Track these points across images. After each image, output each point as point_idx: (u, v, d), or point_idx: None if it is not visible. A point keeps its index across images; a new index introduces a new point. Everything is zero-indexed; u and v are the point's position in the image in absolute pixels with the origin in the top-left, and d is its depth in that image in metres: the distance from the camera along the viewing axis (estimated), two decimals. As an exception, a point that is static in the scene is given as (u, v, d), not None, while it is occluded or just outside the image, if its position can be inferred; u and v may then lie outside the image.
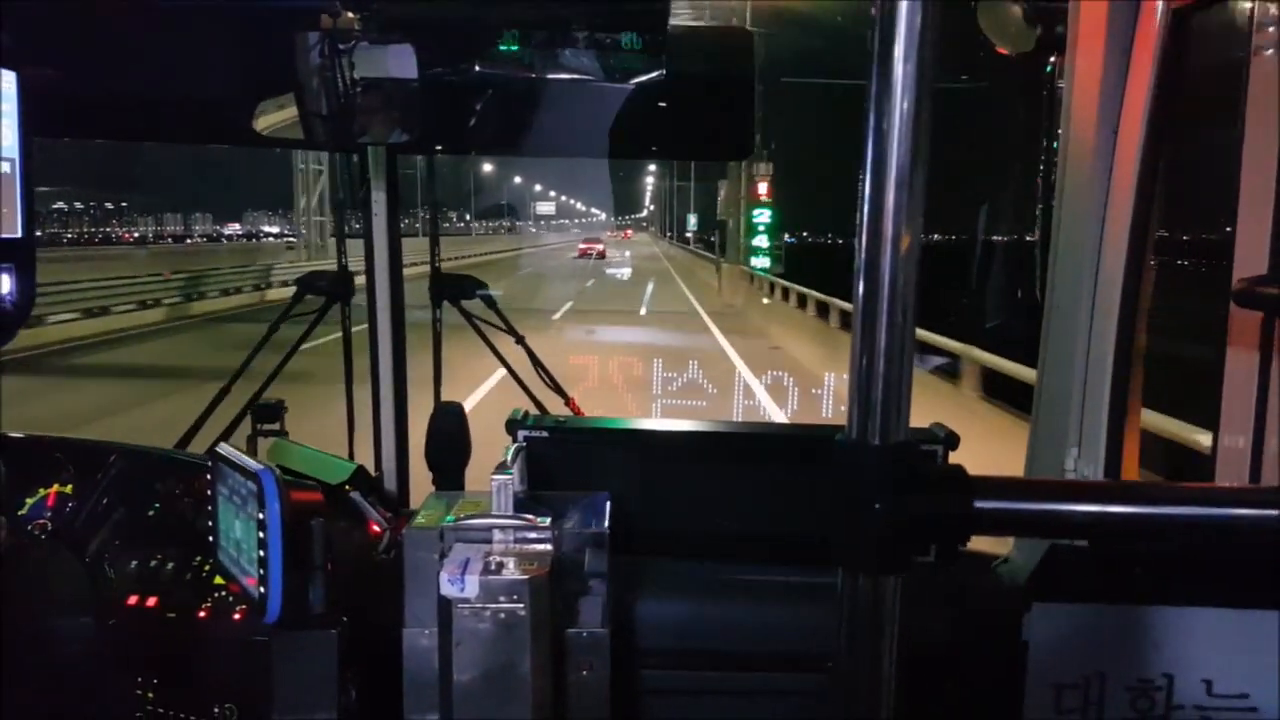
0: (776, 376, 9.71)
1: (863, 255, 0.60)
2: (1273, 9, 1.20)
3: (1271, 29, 1.20)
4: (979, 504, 0.63)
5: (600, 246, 51.21)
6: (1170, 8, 1.39)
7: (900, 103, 0.58)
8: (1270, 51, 1.19)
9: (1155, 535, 0.69)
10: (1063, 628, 0.97)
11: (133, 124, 1.81)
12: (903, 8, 0.57)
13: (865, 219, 0.59)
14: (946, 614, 1.48)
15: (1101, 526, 0.66)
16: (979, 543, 1.62)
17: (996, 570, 1.58)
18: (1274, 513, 0.64)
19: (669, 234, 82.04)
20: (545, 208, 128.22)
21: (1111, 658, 0.97)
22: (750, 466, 1.63)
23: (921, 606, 1.47)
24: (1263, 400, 1.20)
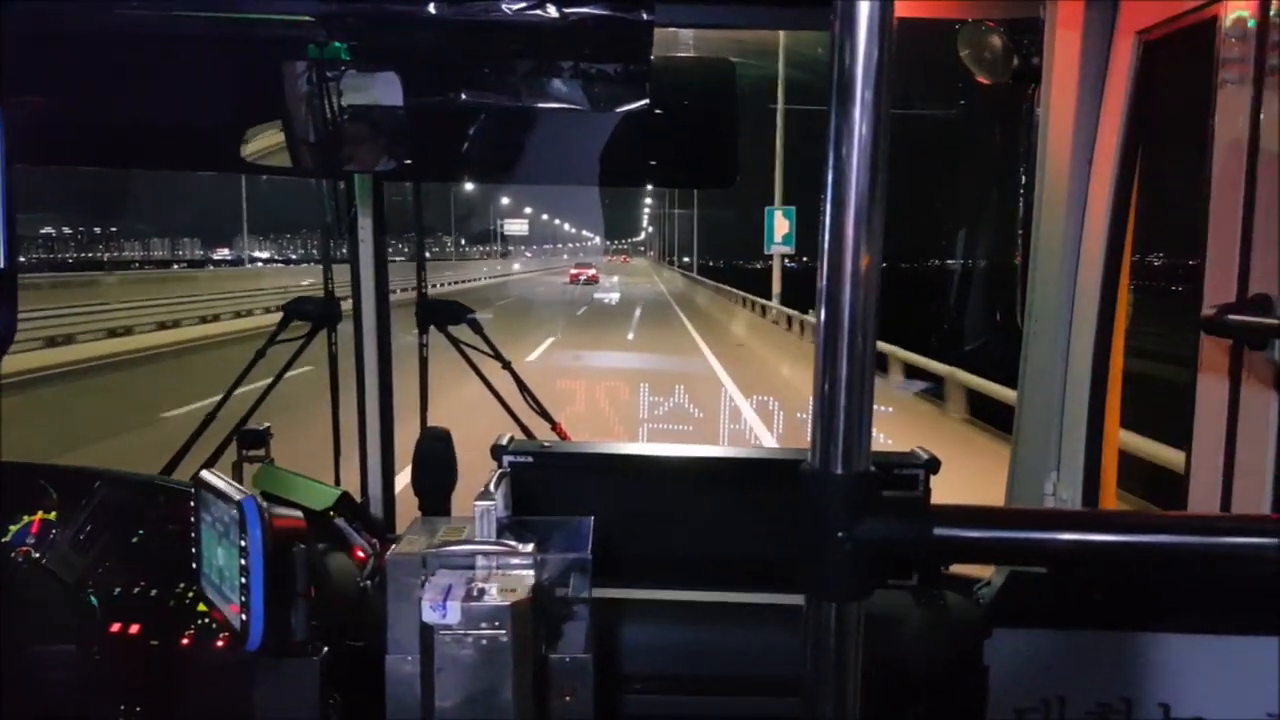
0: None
1: (823, 283, 0.60)
2: (1237, 41, 1.23)
3: (1236, 60, 1.23)
4: (939, 531, 0.63)
5: (592, 271, 51.26)
6: (1141, 39, 1.43)
7: (860, 131, 0.58)
8: (1235, 80, 1.23)
9: (1114, 562, 0.70)
10: (1023, 653, 0.97)
11: (118, 152, 1.82)
12: (861, 36, 0.58)
13: (826, 247, 0.60)
14: (913, 641, 1.48)
15: (1065, 554, 0.67)
16: (962, 566, 1.63)
17: (979, 594, 1.59)
18: (1235, 540, 0.64)
19: (669, 259, 79.40)
20: (515, 227, 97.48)
21: (1071, 682, 0.98)
22: (734, 491, 1.63)
23: (892, 633, 1.48)
24: (1233, 426, 1.22)
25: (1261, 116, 1.17)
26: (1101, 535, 0.65)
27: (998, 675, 0.97)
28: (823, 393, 0.61)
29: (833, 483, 0.61)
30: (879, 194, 0.59)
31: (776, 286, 21.02)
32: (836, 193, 0.59)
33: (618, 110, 1.58)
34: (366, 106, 1.51)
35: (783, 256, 21.40)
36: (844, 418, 0.60)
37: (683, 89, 1.68)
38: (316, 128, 1.51)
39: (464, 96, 1.56)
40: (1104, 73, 1.47)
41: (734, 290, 26.52)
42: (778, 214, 20.11)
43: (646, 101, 1.55)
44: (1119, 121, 1.45)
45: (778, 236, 20.16)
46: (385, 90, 1.49)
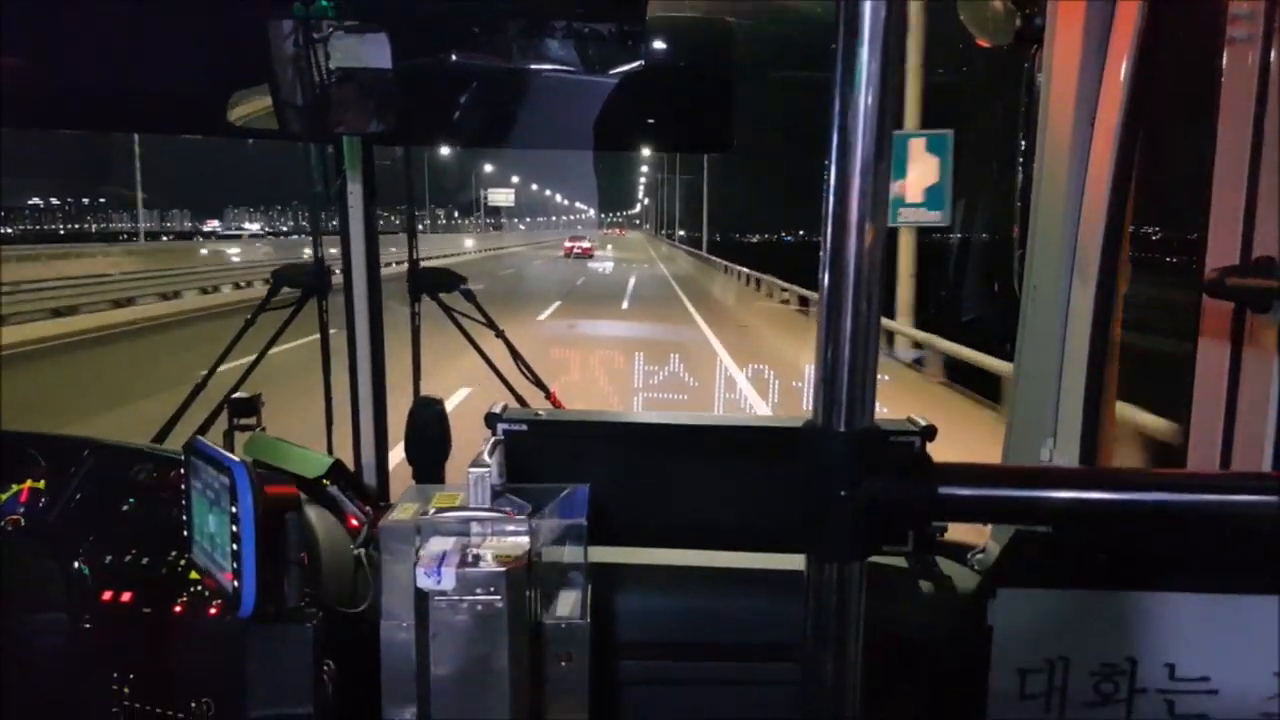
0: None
1: (828, 245, 0.60)
2: (1247, 1, 1.21)
3: (1244, 21, 1.21)
4: (943, 490, 0.63)
5: (586, 244, 49.27)
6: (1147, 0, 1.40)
7: (864, 94, 0.58)
8: (1243, 43, 1.20)
9: (1120, 521, 0.70)
10: (1027, 613, 0.97)
11: (104, 114, 1.79)
12: (867, 1, 0.57)
13: (830, 210, 0.60)
14: (915, 603, 1.49)
15: (1067, 512, 0.67)
16: (957, 533, 1.64)
17: (973, 561, 1.59)
18: (1237, 498, 0.64)
19: (666, 232, 77.33)
20: (500, 197, 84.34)
21: (1075, 642, 0.98)
22: (728, 458, 1.63)
23: (893, 596, 1.48)
24: (1234, 389, 1.21)
25: (1270, 78, 1.15)
26: (1105, 493, 0.65)
27: (1001, 636, 0.97)
28: (826, 353, 0.61)
29: (836, 440, 0.60)
30: (884, 155, 0.59)
31: (905, 292, 10.88)
32: (841, 153, 0.59)
33: (612, 72, 1.55)
34: (355, 68, 1.48)
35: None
36: (847, 376, 0.60)
37: (679, 50, 1.65)
38: (303, 89, 1.48)
39: (454, 57, 1.53)
40: (1108, 33, 1.45)
41: (780, 284, 17.30)
42: (916, 145, 8.92)
43: (641, 63, 1.52)
44: (1122, 85, 1.43)
45: (914, 193, 8.96)
46: (373, 50, 1.46)
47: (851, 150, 0.59)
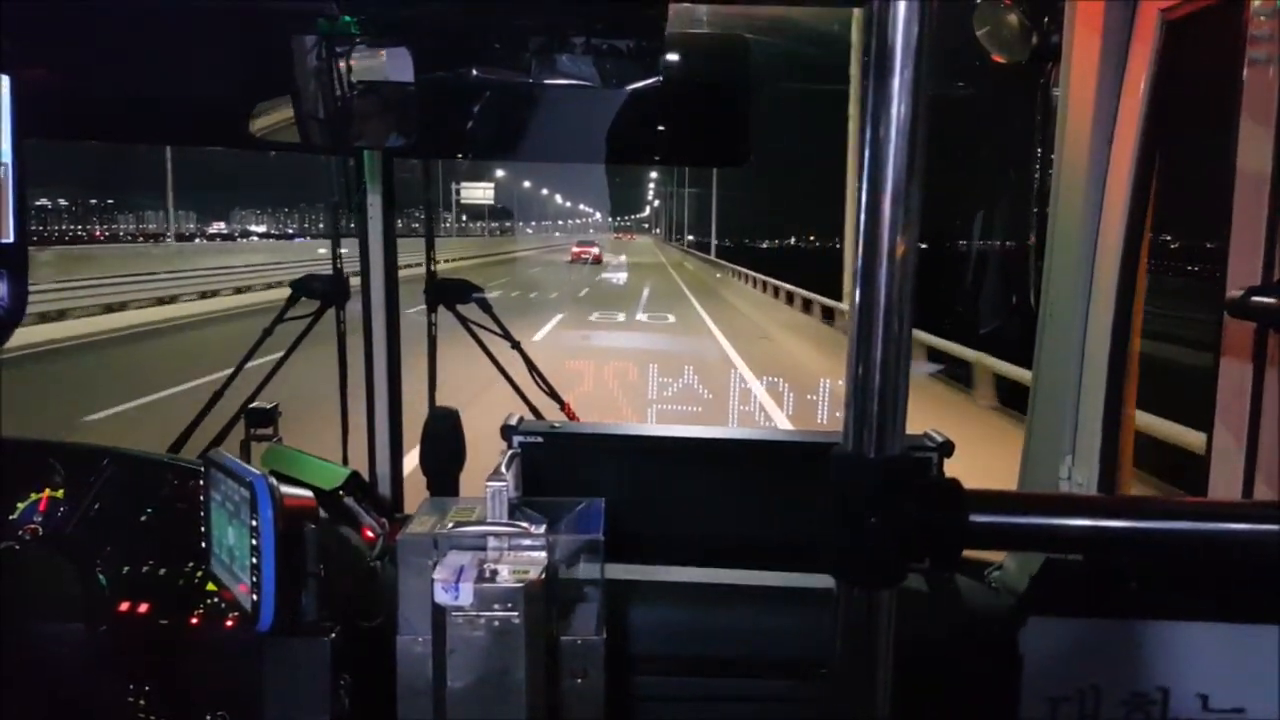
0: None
1: (859, 265, 0.59)
2: (1265, 20, 1.21)
3: (1264, 40, 1.21)
4: (974, 518, 0.63)
5: (595, 250, 47.64)
6: (1164, 18, 1.40)
7: (897, 111, 0.57)
8: (1263, 61, 1.20)
9: (1151, 550, 0.69)
10: (1058, 641, 0.97)
11: (127, 126, 1.80)
12: (900, 16, 0.57)
13: (862, 228, 0.59)
14: (943, 626, 1.48)
15: (1096, 541, 0.66)
16: (975, 550, 1.63)
17: (990, 578, 1.59)
18: (1269, 528, 0.64)
19: (675, 238, 76.01)
20: (476, 192, 67.50)
21: (1107, 671, 0.97)
22: (745, 473, 1.63)
23: (918, 618, 1.48)
24: (1256, 410, 1.21)
25: None
26: (1140, 522, 0.64)
27: (1032, 663, 0.97)
28: (856, 376, 0.60)
29: (866, 467, 0.60)
30: (916, 174, 0.58)
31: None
32: (873, 172, 0.58)
33: (630, 87, 1.56)
34: (376, 82, 1.49)
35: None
36: (878, 401, 0.59)
37: (696, 66, 1.66)
38: (326, 103, 1.49)
39: (474, 72, 1.54)
40: (1125, 53, 1.45)
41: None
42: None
43: (659, 78, 1.53)
44: (1140, 102, 1.43)
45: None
46: (395, 65, 1.47)
47: (883, 164, 0.58)
